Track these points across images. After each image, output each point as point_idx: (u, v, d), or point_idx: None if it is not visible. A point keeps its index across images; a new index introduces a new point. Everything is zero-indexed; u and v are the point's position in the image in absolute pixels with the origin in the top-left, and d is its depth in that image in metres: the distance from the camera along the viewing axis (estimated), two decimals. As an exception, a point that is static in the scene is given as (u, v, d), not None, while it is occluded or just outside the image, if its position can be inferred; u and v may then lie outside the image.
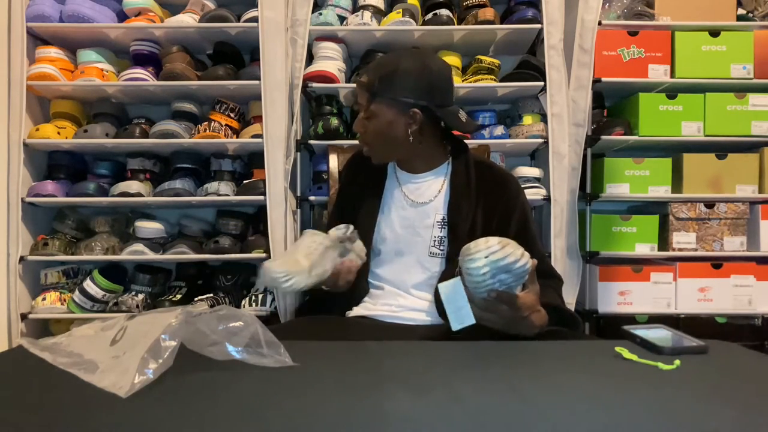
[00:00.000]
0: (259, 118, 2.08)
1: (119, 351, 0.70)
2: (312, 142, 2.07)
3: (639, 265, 2.12)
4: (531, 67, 2.08)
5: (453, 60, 2.12)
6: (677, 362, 0.73)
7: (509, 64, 2.23)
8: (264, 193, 2.03)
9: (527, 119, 2.13)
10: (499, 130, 2.10)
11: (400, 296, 1.22)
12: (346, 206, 1.32)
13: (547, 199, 2.06)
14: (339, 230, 1.16)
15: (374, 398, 0.62)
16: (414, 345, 0.89)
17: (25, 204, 2.06)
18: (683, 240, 2.12)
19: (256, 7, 2.03)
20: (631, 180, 2.10)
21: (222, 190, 2.08)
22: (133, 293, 2.08)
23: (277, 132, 2.02)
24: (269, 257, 2.02)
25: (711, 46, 2.08)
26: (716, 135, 2.08)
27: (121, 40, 2.19)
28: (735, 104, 2.09)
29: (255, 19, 2.04)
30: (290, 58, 2.06)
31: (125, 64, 2.22)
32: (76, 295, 2.03)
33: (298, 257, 1.08)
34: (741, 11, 2.14)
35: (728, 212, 2.11)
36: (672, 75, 2.09)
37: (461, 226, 1.19)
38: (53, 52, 2.11)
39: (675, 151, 2.16)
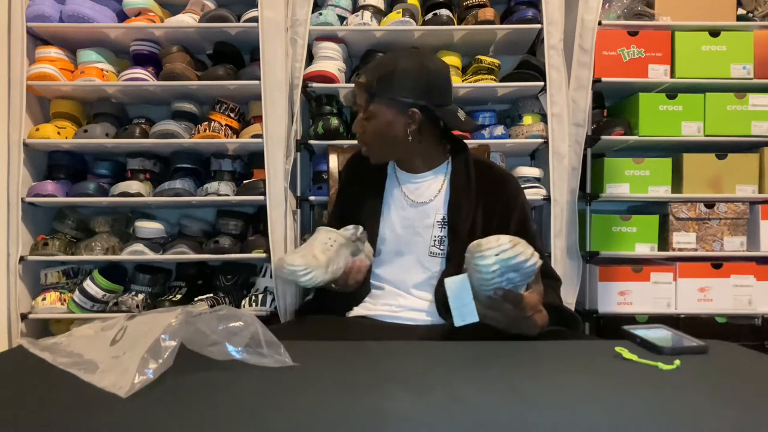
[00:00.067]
0: (259, 118, 2.08)
1: (119, 351, 0.70)
2: (312, 142, 2.07)
3: (639, 265, 2.12)
4: (531, 67, 2.08)
5: (453, 60, 2.12)
6: (677, 362, 0.73)
7: (509, 64, 2.23)
8: (264, 193, 2.03)
9: (527, 119, 2.13)
10: (499, 130, 2.10)
11: (401, 296, 1.22)
12: (347, 206, 1.32)
13: (547, 199, 2.06)
14: (348, 231, 1.16)
15: (374, 398, 0.62)
16: (414, 345, 0.89)
17: (25, 204, 2.06)
18: (683, 240, 2.12)
19: (256, 7, 2.03)
20: (631, 180, 2.10)
21: (222, 190, 2.08)
22: (133, 293, 2.08)
23: (277, 132, 2.02)
24: (269, 257, 2.02)
25: (711, 46, 2.08)
26: (716, 135, 2.08)
27: (121, 40, 2.19)
28: (735, 104, 2.09)
29: (255, 19, 2.04)
30: (290, 58, 2.06)
31: (125, 64, 2.22)
32: (76, 295, 2.03)
33: (315, 252, 1.08)
34: (741, 11, 2.14)
35: (728, 212, 2.11)
36: (672, 75, 2.09)
37: (461, 226, 1.19)
38: (53, 52, 2.11)
39: (675, 151, 2.16)
